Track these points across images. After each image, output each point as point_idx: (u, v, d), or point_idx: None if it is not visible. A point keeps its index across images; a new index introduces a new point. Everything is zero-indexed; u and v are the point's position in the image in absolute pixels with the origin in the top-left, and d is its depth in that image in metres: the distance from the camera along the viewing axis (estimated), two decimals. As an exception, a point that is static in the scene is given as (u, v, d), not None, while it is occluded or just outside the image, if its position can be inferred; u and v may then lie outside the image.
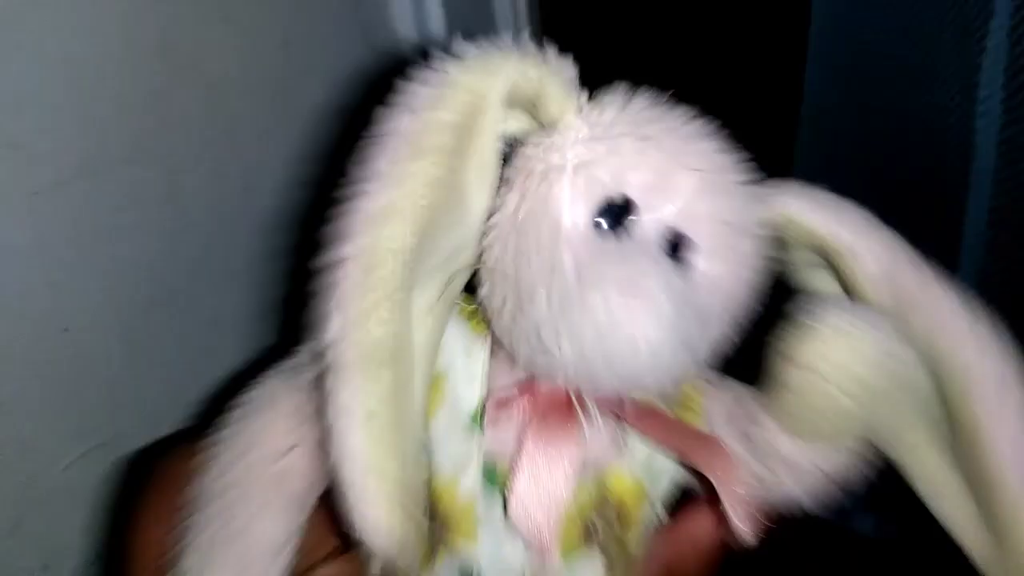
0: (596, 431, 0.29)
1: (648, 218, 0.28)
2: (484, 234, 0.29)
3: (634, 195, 0.28)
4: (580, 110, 0.28)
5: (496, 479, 0.30)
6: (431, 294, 0.28)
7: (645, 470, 0.32)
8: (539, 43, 0.28)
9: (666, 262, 0.27)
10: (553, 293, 0.27)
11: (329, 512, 0.31)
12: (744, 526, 0.28)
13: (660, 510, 0.33)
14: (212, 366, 0.54)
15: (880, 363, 0.27)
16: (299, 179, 0.59)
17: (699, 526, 0.32)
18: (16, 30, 0.40)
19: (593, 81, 0.29)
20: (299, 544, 0.30)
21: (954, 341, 0.29)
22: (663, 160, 0.28)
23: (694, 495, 0.33)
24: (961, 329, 0.29)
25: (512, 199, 0.28)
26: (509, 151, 0.29)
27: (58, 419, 0.45)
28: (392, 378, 0.25)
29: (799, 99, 0.79)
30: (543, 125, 0.29)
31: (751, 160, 0.30)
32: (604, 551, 0.31)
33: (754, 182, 0.30)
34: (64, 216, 0.43)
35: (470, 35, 0.28)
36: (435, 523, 0.31)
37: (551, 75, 0.27)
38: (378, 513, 0.25)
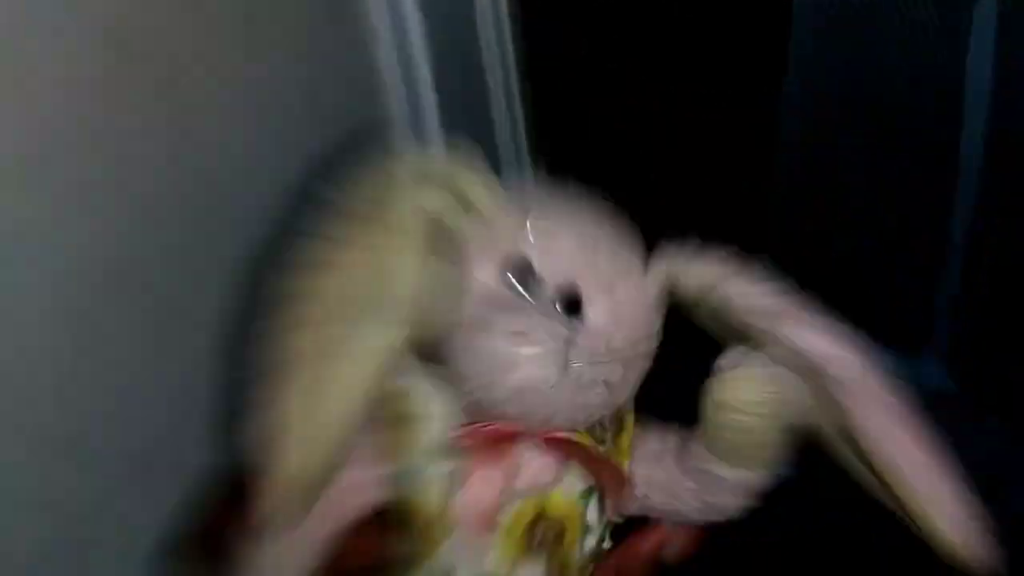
0: (532, 460, 0.38)
1: (548, 280, 0.36)
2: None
3: (531, 255, 0.36)
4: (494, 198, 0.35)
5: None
6: (384, 340, 0.33)
7: (582, 498, 0.39)
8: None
9: (558, 315, 0.35)
10: (456, 342, 0.35)
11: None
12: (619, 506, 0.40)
13: (598, 532, 0.40)
14: (169, 362, 0.52)
15: (773, 392, 0.36)
16: (261, 167, 0.57)
17: (644, 540, 0.42)
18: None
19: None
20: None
21: (822, 360, 0.34)
22: (548, 226, 0.36)
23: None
24: (824, 347, 0.35)
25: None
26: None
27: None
28: (307, 379, 0.33)
29: (787, 39, 0.78)
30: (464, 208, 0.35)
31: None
32: (546, 561, 0.39)
33: (635, 243, 0.38)
34: (3, 209, 0.41)
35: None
36: (416, 535, 0.38)
37: (472, 181, 0.34)
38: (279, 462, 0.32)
